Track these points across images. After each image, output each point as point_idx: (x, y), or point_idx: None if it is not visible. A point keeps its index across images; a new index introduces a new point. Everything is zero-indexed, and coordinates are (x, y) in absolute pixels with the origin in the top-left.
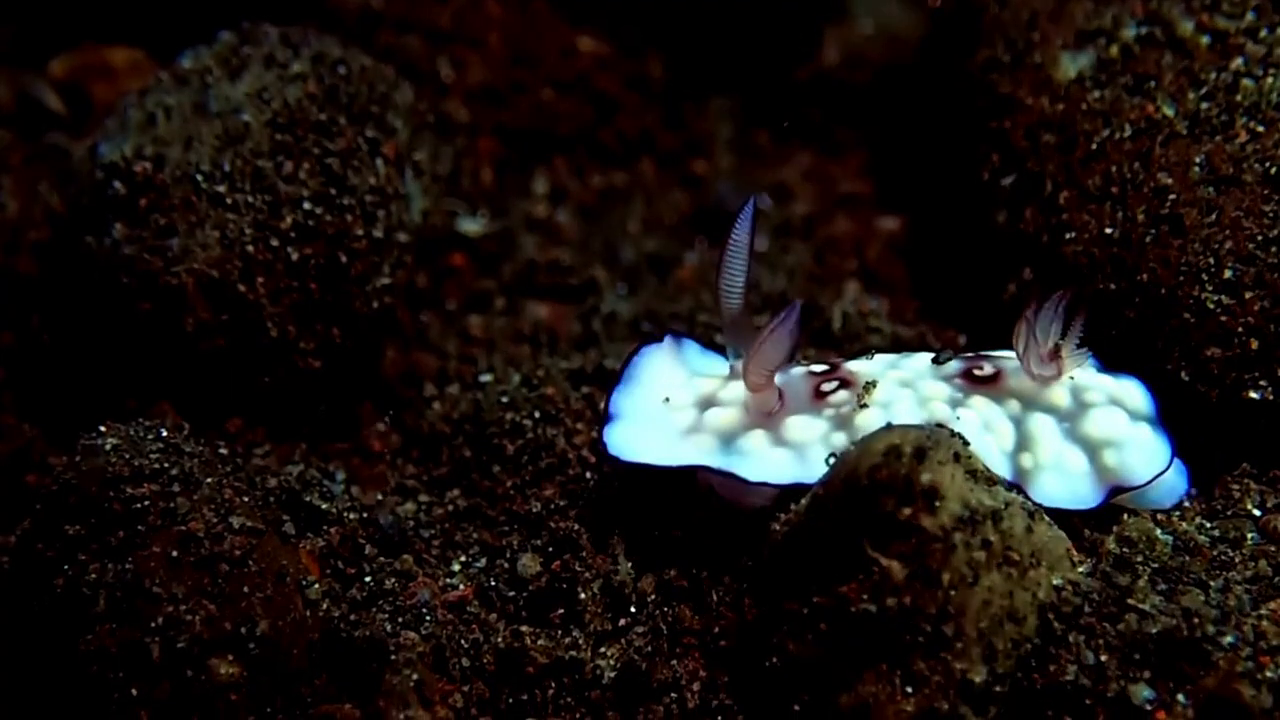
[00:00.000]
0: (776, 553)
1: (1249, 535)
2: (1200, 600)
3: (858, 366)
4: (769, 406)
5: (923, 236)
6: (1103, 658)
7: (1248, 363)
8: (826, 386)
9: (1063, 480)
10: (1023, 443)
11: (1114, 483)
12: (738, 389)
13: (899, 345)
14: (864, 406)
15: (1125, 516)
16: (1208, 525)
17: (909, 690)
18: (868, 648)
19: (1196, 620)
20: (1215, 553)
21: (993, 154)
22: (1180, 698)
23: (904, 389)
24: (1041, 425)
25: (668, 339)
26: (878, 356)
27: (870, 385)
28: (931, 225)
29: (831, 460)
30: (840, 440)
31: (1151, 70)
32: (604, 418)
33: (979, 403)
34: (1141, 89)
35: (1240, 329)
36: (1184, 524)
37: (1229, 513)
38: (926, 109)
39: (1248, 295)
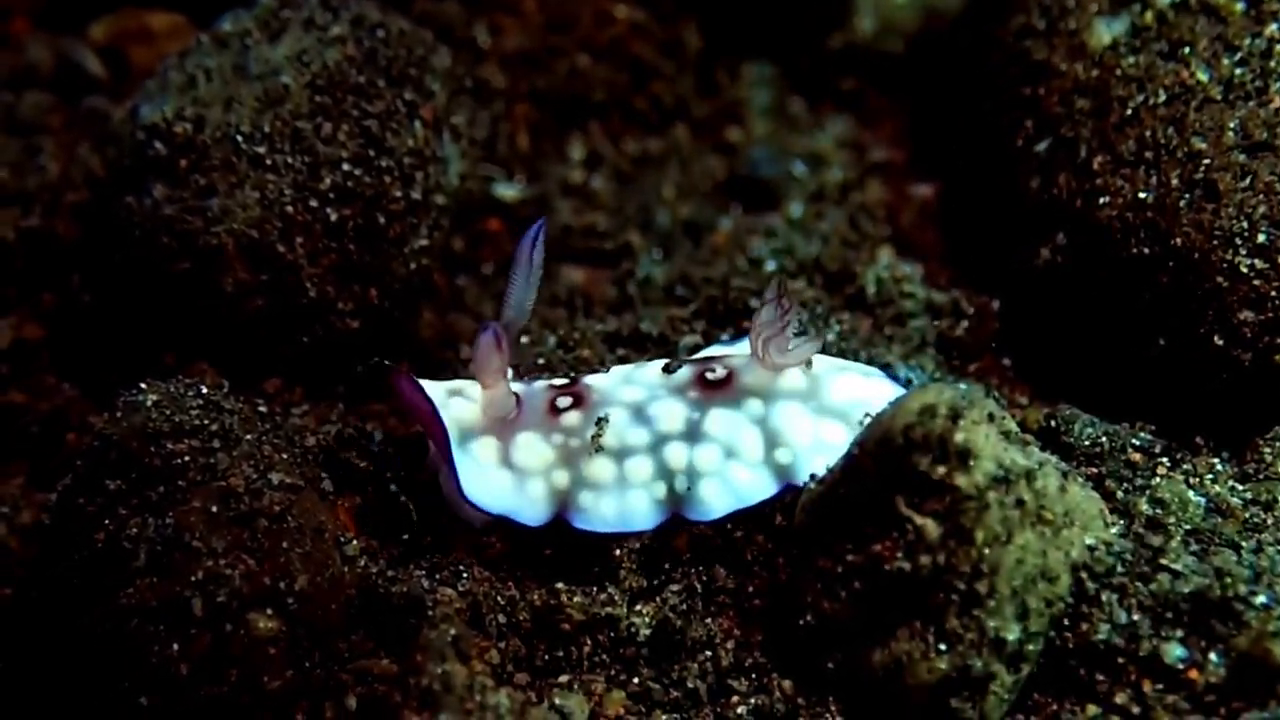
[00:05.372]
0: (810, 511)
1: None
2: (1232, 560)
3: (594, 381)
4: (506, 412)
5: (956, 203)
6: (1135, 617)
7: None
8: (561, 402)
9: (829, 456)
10: (774, 440)
11: None
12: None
13: (932, 310)
14: (598, 450)
15: (1156, 479)
16: (1240, 488)
17: (942, 648)
18: (901, 606)
19: (1229, 580)
20: (1247, 515)
21: (1027, 120)
22: (1212, 657)
23: (639, 426)
24: (789, 413)
25: None
26: (614, 369)
27: (603, 422)
28: (965, 192)
29: (866, 419)
30: (563, 479)
31: (1186, 36)
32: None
33: (716, 420)
34: (1176, 55)
35: (1273, 293)
36: (1216, 486)
37: (1261, 475)
38: (960, 76)
39: None
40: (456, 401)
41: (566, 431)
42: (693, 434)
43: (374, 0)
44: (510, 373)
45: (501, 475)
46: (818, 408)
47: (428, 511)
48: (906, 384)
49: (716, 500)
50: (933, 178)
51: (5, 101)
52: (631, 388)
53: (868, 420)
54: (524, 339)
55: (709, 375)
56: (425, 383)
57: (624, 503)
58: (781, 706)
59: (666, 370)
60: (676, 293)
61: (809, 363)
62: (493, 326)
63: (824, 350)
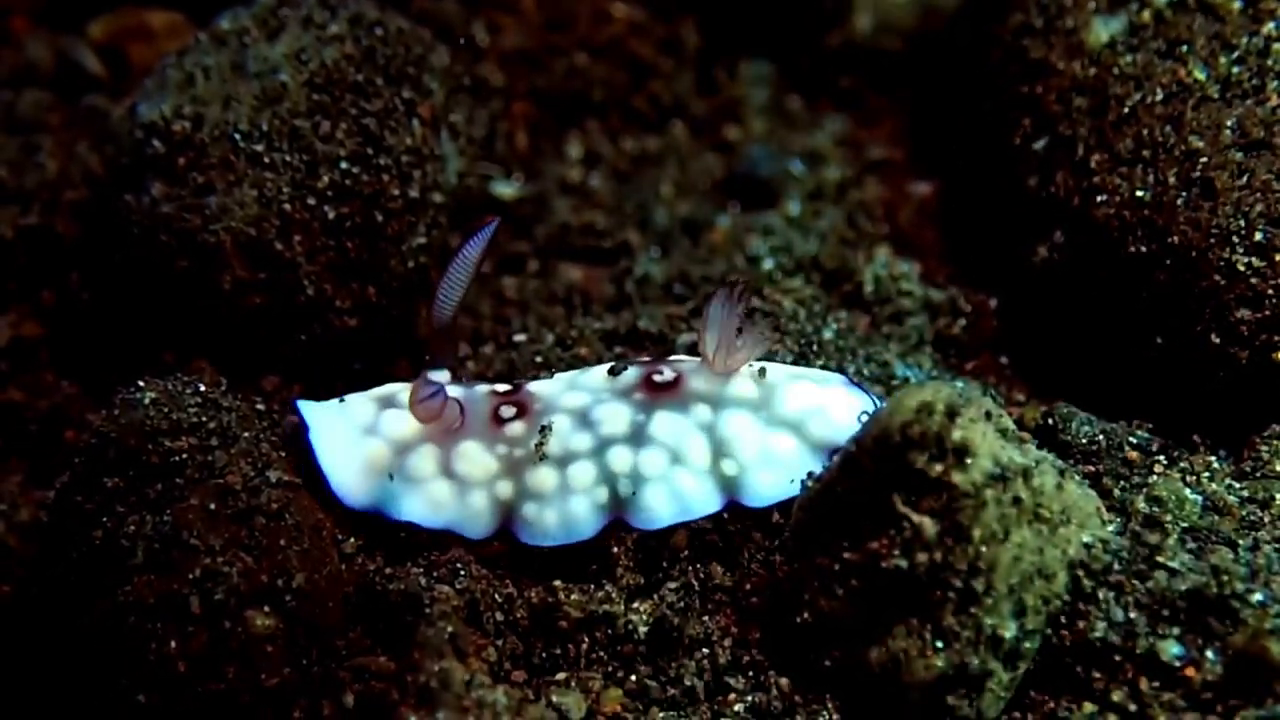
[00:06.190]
0: (807, 509)
1: (1278, 496)
2: (1229, 558)
3: (537, 388)
4: (449, 424)
5: (954, 201)
6: (1132, 614)
7: (1277, 324)
8: (505, 411)
9: (777, 470)
10: (721, 449)
11: (829, 449)
12: None
13: (929, 308)
14: (542, 459)
15: (1153, 477)
16: (1237, 486)
17: (939, 645)
18: (898, 603)
19: (1225, 578)
20: (1244, 512)
21: (1025, 118)
22: (1209, 654)
23: (582, 431)
24: (737, 423)
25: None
26: (558, 375)
27: (546, 430)
28: (963, 190)
29: (863, 418)
30: (506, 490)
31: (1183, 34)
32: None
33: (662, 423)
34: (1173, 53)
35: (1270, 291)
36: (1213, 484)
37: (1258, 474)
38: (958, 74)
39: (1278, 258)
40: (390, 415)
41: (510, 442)
42: (637, 437)
43: None
44: (449, 377)
45: (441, 487)
46: (768, 418)
47: None
48: (863, 386)
49: (661, 507)
50: (931, 176)
51: (4, 99)
52: (576, 393)
53: (865, 419)
54: (521, 336)
55: (656, 377)
56: (353, 396)
57: (566, 511)
58: (779, 704)
59: (612, 372)
60: (674, 291)
61: (763, 371)
62: (441, 391)
63: (819, 349)
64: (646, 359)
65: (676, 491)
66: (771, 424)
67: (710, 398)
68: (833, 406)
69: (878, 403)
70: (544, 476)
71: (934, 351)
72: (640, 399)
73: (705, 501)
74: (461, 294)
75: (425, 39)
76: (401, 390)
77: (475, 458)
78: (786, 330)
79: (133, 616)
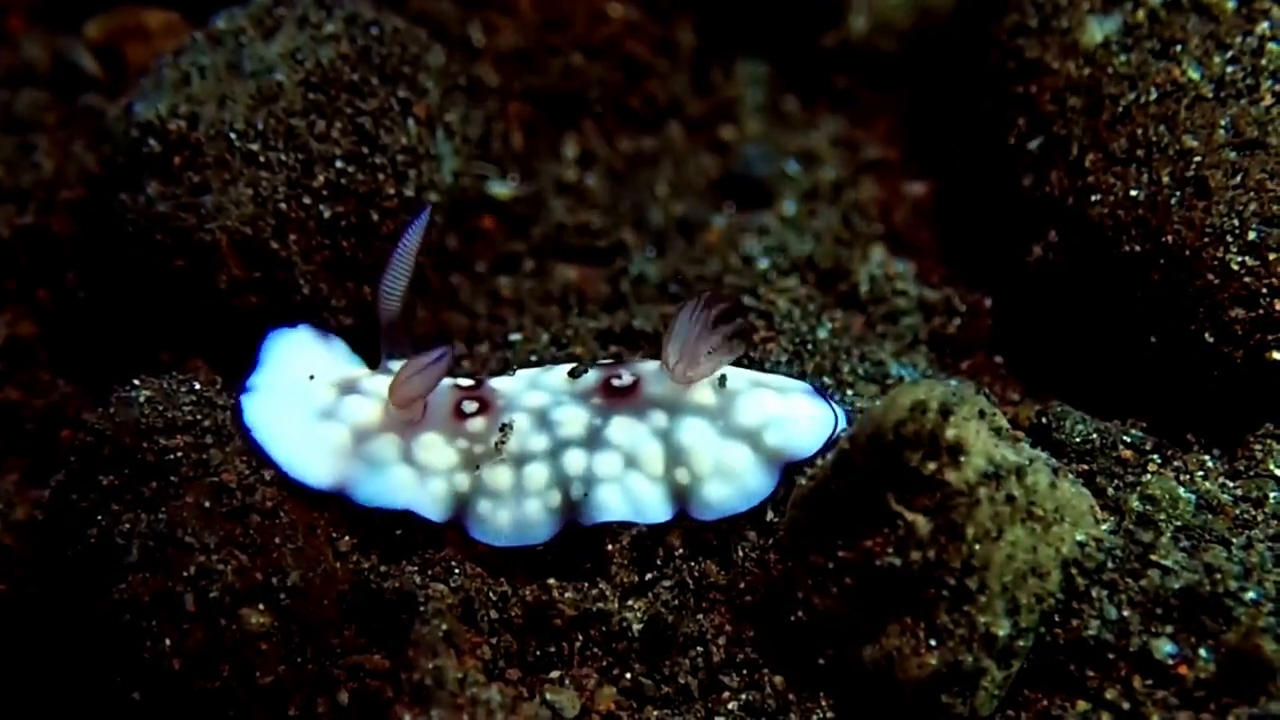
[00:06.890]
0: (801, 507)
1: (1271, 494)
2: (1223, 557)
3: (499, 385)
4: (411, 416)
5: (950, 201)
6: (1125, 613)
7: (1271, 324)
8: (467, 406)
9: (728, 483)
10: (675, 457)
11: (784, 460)
12: (383, 382)
13: (924, 307)
14: (502, 460)
15: (1147, 476)
16: (1230, 484)
17: (933, 643)
18: (892, 601)
19: (1219, 576)
20: (1238, 511)
21: (1019, 118)
22: (1202, 652)
23: (541, 432)
24: (693, 431)
25: (306, 328)
26: (519, 373)
27: (507, 428)
28: (958, 189)
29: (858, 416)
30: (464, 483)
31: (1177, 34)
32: (239, 390)
33: (619, 428)
34: (1167, 53)
35: (1264, 290)
36: (1207, 483)
37: (1251, 472)
38: (953, 74)
39: (1271, 257)
40: (353, 401)
41: (471, 437)
42: (593, 441)
43: None
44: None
45: (402, 471)
46: (724, 428)
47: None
48: (827, 393)
49: (612, 505)
50: (926, 175)
51: (1, 99)
52: (536, 393)
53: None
54: (517, 336)
55: (615, 382)
56: (319, 374)
57: (519, 513)
58: (773, 702)
59: (573, 374)
60: (670, 290)
61: (723, 380)
62: (450, 352)
63: (814, 348)
64: (608, 361)
65: (630, 492)
66: (728, 434)
67: (667, 404)
68: (792, 416)
69: (839, 412)
70: (500, 475)
71: (929, 351)
72: (598, 403)
73: (656, 509)
74: (405, 284)
75: (421, 38)
76: (364, 377)
77: (436, 447)
78: (781, 330)
79: (128, 614)
